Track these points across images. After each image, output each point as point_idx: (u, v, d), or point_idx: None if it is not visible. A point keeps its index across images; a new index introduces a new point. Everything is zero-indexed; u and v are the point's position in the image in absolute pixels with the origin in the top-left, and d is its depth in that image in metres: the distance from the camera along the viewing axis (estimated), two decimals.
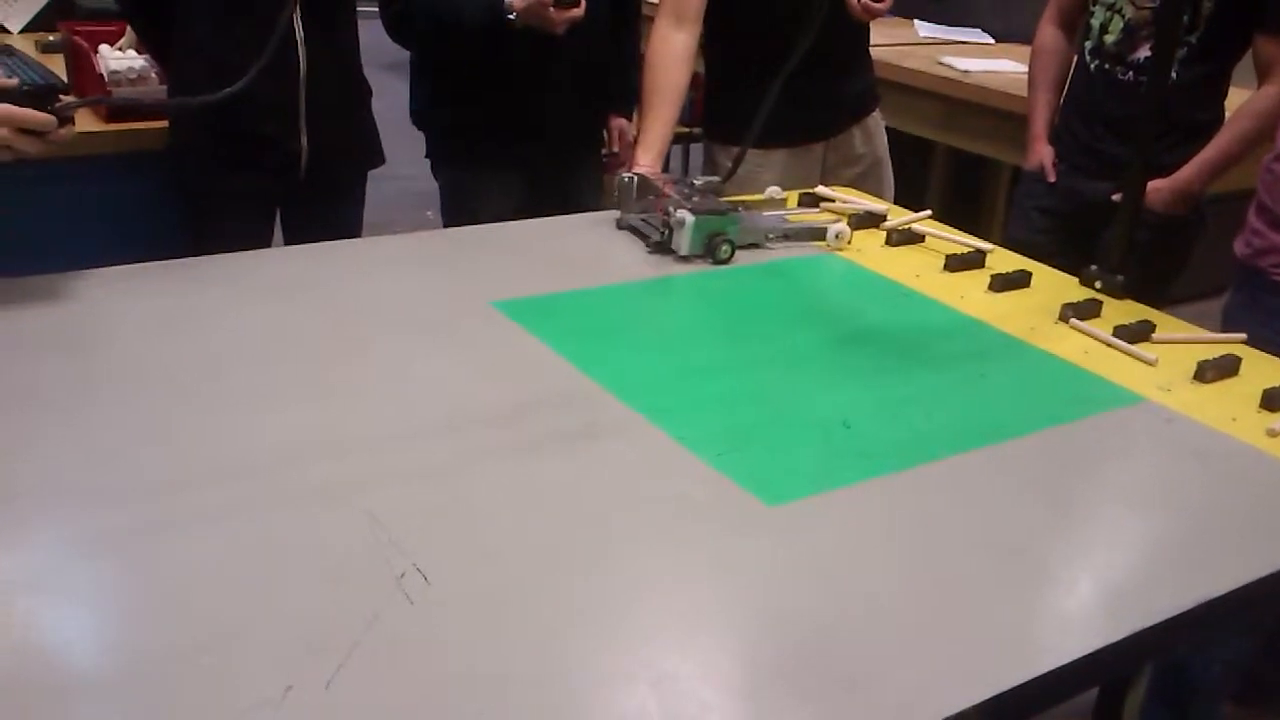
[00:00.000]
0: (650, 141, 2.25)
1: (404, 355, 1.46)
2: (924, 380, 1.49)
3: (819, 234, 1.96)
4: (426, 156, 2.62)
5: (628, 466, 1.24)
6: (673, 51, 2.32)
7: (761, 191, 2.52)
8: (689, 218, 1.80)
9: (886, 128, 2.75)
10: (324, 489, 1.15)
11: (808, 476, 1.24)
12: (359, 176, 2.37)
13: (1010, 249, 2.54)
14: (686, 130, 3.67)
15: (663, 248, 1.85)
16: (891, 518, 1.20)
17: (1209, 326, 1.76)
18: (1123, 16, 2.48)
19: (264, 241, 2.26)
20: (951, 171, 4.09)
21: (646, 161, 2.21)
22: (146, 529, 1.07)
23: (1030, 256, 2.48)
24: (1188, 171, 2.44)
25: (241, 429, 1.25)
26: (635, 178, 1.96)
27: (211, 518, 1.09)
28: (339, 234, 2.23)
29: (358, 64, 2.32)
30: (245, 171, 2.18)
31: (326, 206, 2.29)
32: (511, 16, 2.27)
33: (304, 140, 2.18)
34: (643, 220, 1.92)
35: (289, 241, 2.34)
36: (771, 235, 1.94)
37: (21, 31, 3.08)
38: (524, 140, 2.51)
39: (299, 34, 2.10)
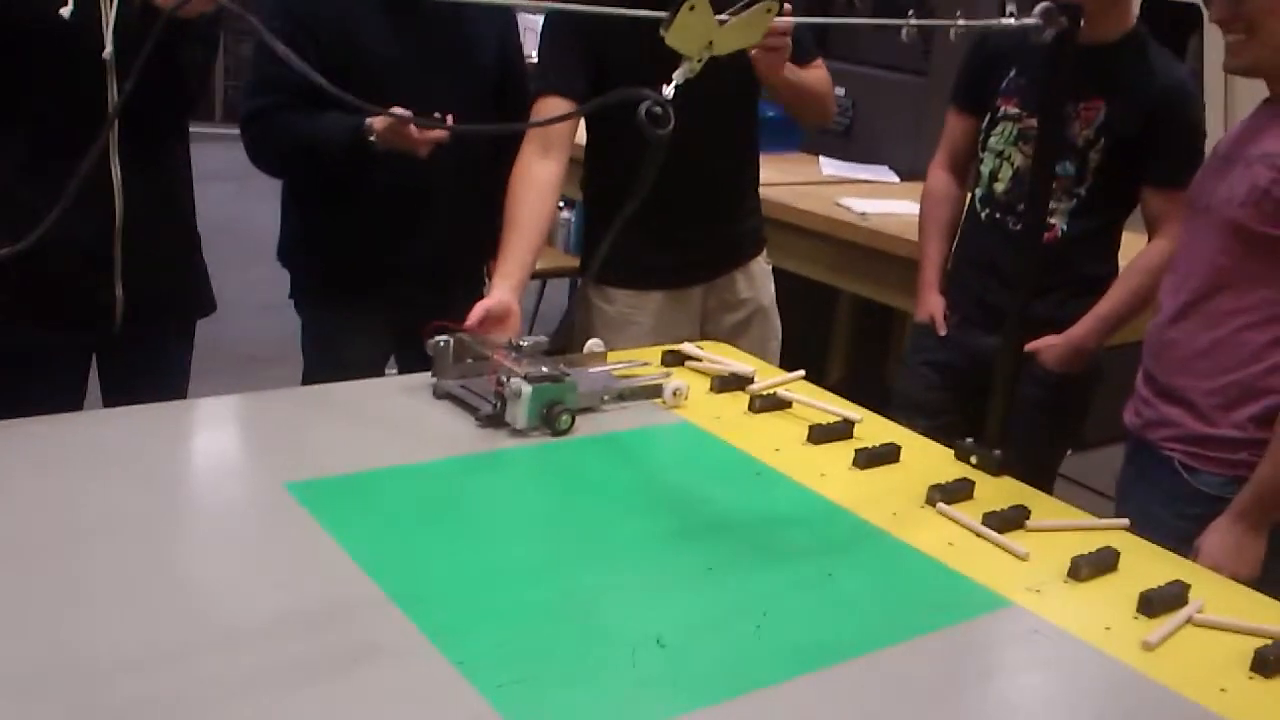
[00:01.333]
0: (507, 271, 2.08)
1: (167, 553, 1.28)
2: (762, 583, 1.32)
3: (654, 392, 1.81)
4: (289, 297, 2.46)
5: (391, 700, 1.05)
6: (536, 180, 2.18)
7: (634, 336, 2.38)
8: (525, 387, 1.63)
9: (784, 271, 2.63)
10: None
11: (597, 715, 1.06)
12: (185, 326, 2.19)
13: (900, 407, 2.44)
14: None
15: (495, 420, 1.66)
16: None
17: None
18: (1012, 164, 2.39)
19: (76, 401, 2.07)
20: (857, 317, 3.98)
21: (502, 291, 2.04)
22: None
23: (921, 414, 2.37)
24: (1081, 328, 2.33)
25: None
26: (450, 340, 1.77)
27: None
28: (162, 387, 2.04)
29: (187, 209, 2.15)
30: (52, 328, 1.99)
31: (148, 358, 2.10)
32: (372, 139, 2.14)
33: (119, 292, 1.99)
34: (463, 387, 1.74)
35: (106, 394, 2.14)
36: (606, 397, 1.77)
37: None
38: (393, 280, 2.35)
39: (116, 178, 1.94)
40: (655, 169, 1.38)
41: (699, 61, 1.31)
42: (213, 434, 1.68)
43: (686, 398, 1.80)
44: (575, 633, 1.19)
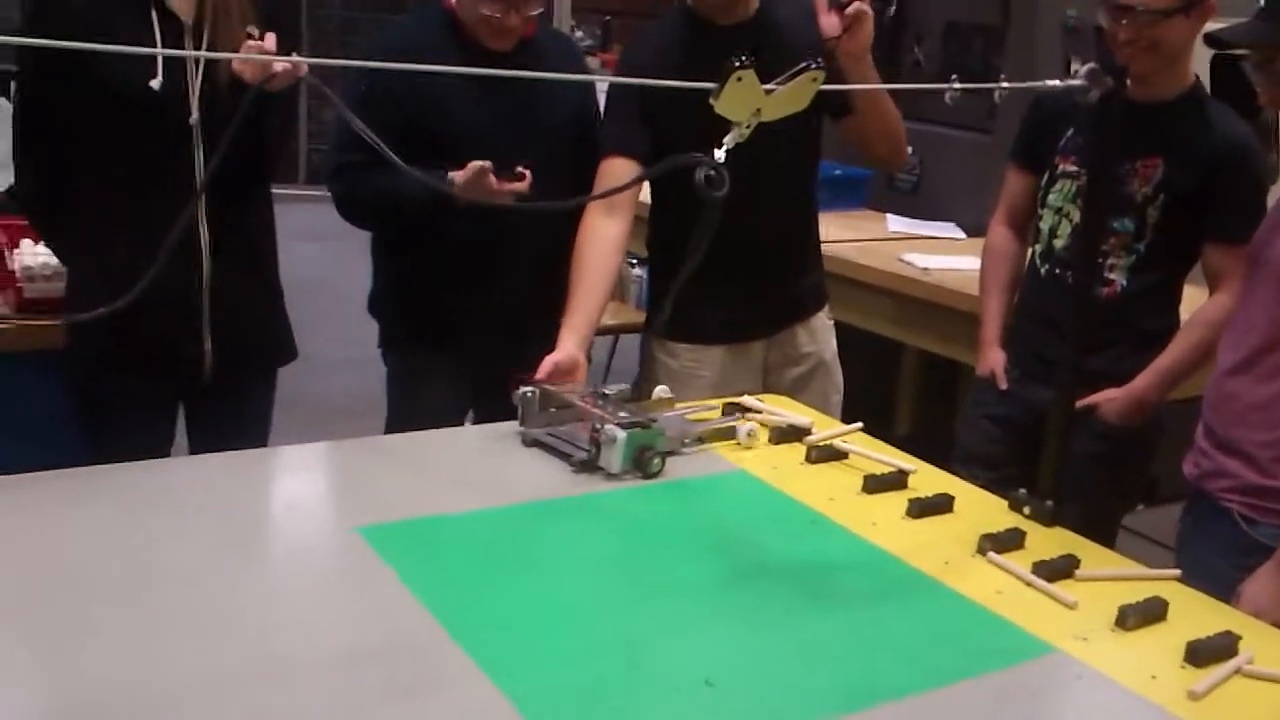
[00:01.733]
0: (574, 326, 2.16)
1: (238, 590, 1.35)
2: (812, 626, 1.36)
3: (729, 433, 1.89)
4: (378, 346, 2.55)
5: None
6: (601, 240, 2.27)
7: (697, 389, 2.44)
8: (620, 433, 1.71)
9: (849, 326, 2.67)
10: None
11: None
12: (268, 375, 2.29)
13: (961, 459, 2.46)
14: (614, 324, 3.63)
15: (589, 466, 1.74)
16: None
17: None
18: (1071, 221, 2.41)
19: (164, 446, 2.17)
20: (923, 372, 4.00)
21: (569, 346, 2.12)
22: None
23: (983, 467, 2.39)
24: (1142, 381, 2.34)
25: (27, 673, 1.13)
26: (537, 391, 1.85)
27: None
28: (247, 433, 2.15)
29: (270, 265, 2.25)
30: (143, 377, 2.09)
31: (233, 407, 2.20)
32: (453, 191, 2.21)
33: (207, 345, 2.10)
34: (550, 435, 1.82)
35: (193, 441, 2.24)
36: (687, 440, 1.85)
37: None
38: (473, 329, 2.43)
39: (204, 238, 2.05)
40: (711, 230, 1.44)
41: (748, 128, 1.37)
42: (292, 480, 1.76)
43: (758, 438, 1.88)
44: (628, 672, 1.23)
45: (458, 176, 2.20)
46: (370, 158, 2.30)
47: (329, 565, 1.43)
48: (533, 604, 1.36)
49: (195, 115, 1.99)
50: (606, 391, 1.87)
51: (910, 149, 4.05)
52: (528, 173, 2.16)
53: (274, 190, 2.29)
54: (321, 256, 4.60)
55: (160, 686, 1.14)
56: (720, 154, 1.35)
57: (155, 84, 1.94)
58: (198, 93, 1.99)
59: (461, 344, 2.45)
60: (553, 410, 1.85)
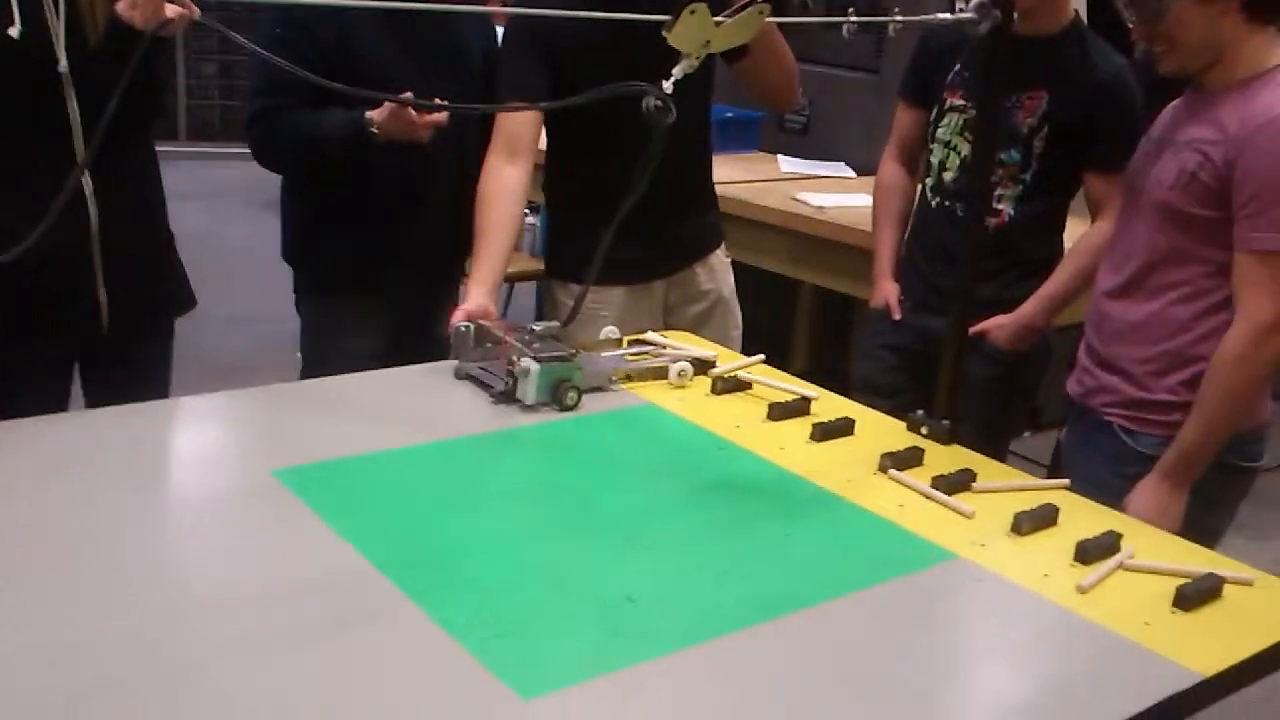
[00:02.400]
0: (481, 277, 2.18)
1: (155, 538, 1.35)
2: (725, 545, 1.41)
3: (661, 373, 1.93)
4: (294, 291, 2.55)
5: (380, 658, 1.14)
6: (504, 186, 2.28)
7: (599, 331, 2.47)
8: (534, 365, 1.76)
9: (746, 266, 2.72)
10: (38, 706, 1.03)
11: (575, 662, 1.15)
12: (166, 325, 2.27)
13: (859, 389, 2.54)
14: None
15: (507, 397, 1.80)
16: (664, 705, 1.10)
17: None
18: (959, 154, 2.49)
19: (61, 403, 2.13)
20: (819, 308, 4.09)
21: (478, 296, 2.14)
22: None
23: (880, 395, 2.47)
24: (1029, 307, 2.43)
25: None
26: (472, 326, 1.90)
27: None
28: (146, 387, 2.11)
29: (159, 210, 2.22)
30: (37, 336, 2.05)
31: (131, 359, 2.17)
32: (374, 130, 2.23)
33: (102, 295, 2.07)
34: (482, 369, 1.87)
35: (90, 397, 2.21)
36: (615, 378, 1.90)
37: None
38: (392, 267, 2.45)
39: (88, 187, 2.01)
40: (655, 160, 1.47)
41: (697, 59, 1.40)
42: (203, 428, 1.75)
43: (691, 378, 1.93)
44: (551, 594, 1.28)
45: (375, 115, 2.21)
46: (287, 101, 2.30)
47: (249, 510, 1.44)
48: (456, 537, 1.39)
49: (64, 64, 1.93)
50: (535, 327, 1.92)
51: (800, 89, 4.14)
52: (444, 105, 2.17)
53: (156, 148, 2.26)
54: (206, 214, 4.51)
55: (84, 639, 1.14)
56: (668, 85, 1.39)
57: (14, 32, 1.87)
58: (62, 39, 1.93)
59: (381, 285, 2.46)
60: (487, 345, 1.89)
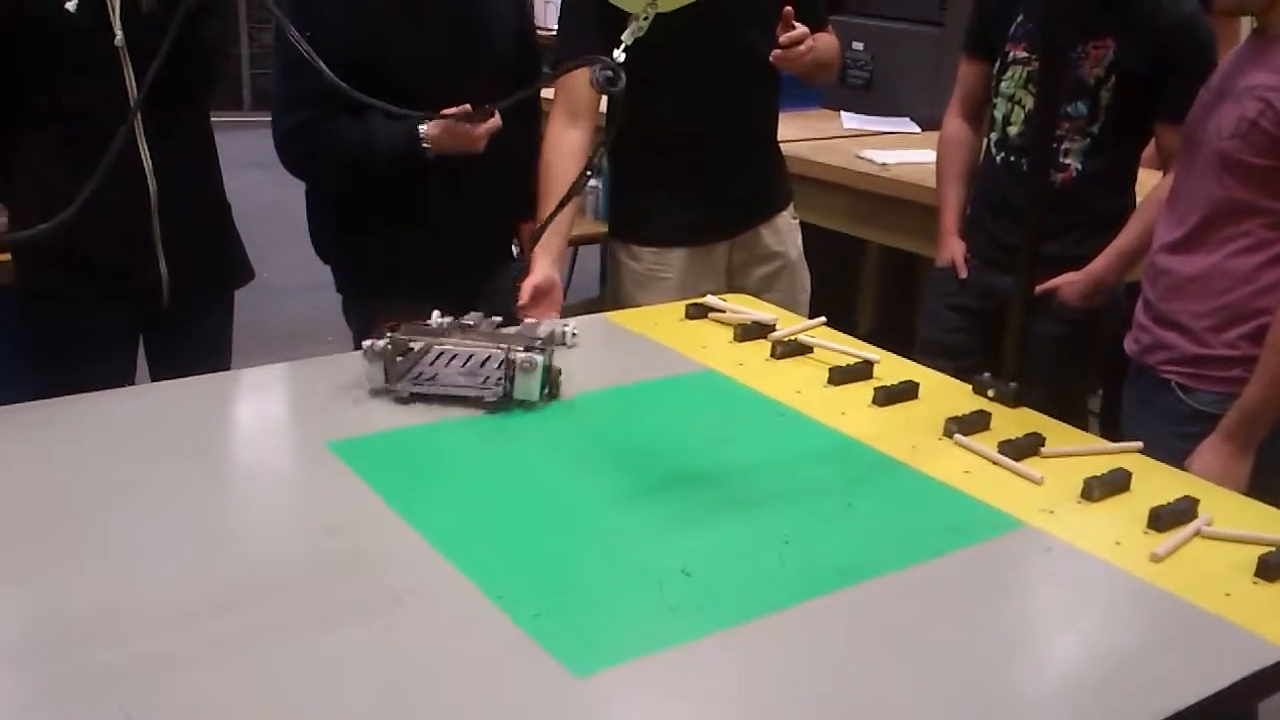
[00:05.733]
0: (547, 245, 2.14)
1: (212, 509, 1.35)
2: (784, 515, 1.38)
3: (559, 340, 1.82)
4: (338, 291, 2.45)
5: (433, 634, 1.12)
6: (567, 149, 2.26)
7: (660, 292, 2.43)
8: (538, 358, 1.62)
9: (809, 225, 2.67)
10: (86, 680, 1.03)
11: (629, 638, 1.12)
12: (225, 297, 2.28)
13: (924, 351, 2.49)
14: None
15: (506, 401, 1.62)
16: (720, 684, 1.07)
17: None
18: (1023, 107, 2.42)
19: (127, 376, 2.15)
20: (885, 268, 4.01)
21: (544, 266, 2.12)
22: None
23: (946, 357, 2.41)
24: (1101, 263, 2.36)
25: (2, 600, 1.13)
26: (388, 341, 1.64)
27: None
28: (208, 359, 2.14)
29: (217, 182, 2.22)
30: (101, 308, 2.07)
31: (192, 332, 2.19)
32: (426, 146, 2.14)
33: (163, 268, 2.08)
34: (428, 381, 1.64)
35: (153, 369, 2.23)
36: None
37: None
38: (432, 265, 2.32)
39: (146, 160, 2.01)
40: (617, 128, 1.42)
41: (645, 19, 1.36)
42: (259, 400, 1.75)
43: (577, 335, 1.85)
44: (605, 567, 1.25)
45: (429, 129, 2.12)
46: (323, 111, 2.16)
47: (302, 483, 1.44)
48: (509, 509, 1.37)
49: (120, 36, 1.94)
50: (467, 321, 1.77)
51: (861, 45, 4.06)
52: (495, 110, 2.04)
53: (219, 118, 2.25)
54: (270, 183, 4.52)
55: (144, 606, 1.14)
56: (619, 53, 1.34)
57: (70, 6, 1.87)
58: (118, 11, 1.94)
59: (421, 280, 2.27)
60: (411, 350, 1.69)
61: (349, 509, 1.36)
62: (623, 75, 1.31)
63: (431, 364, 1.69)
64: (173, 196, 2.06)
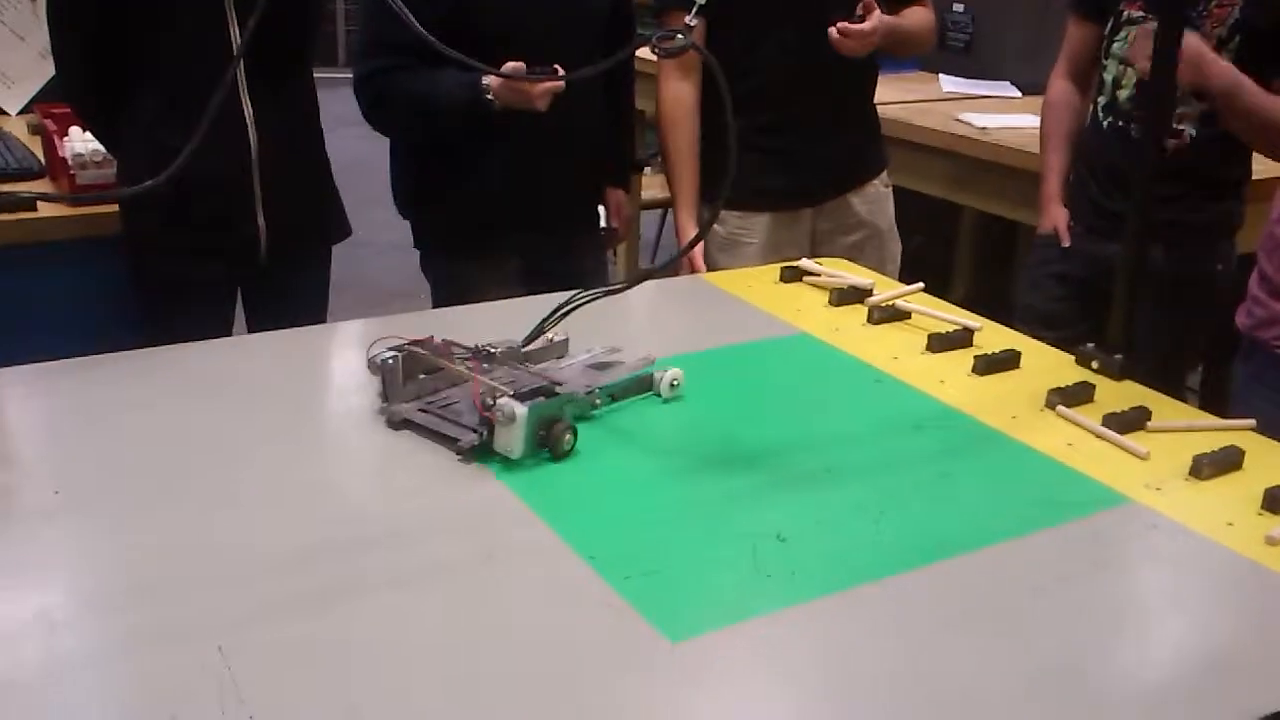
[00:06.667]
0: (686, 203, 2.29)
1: (310, 462, 1.36)
2: (880, 483, 1.35)
3: (646, 385, 1.54)
4: (415, 246, 2.46)
5: (524, 594, 1.12)
6: (683, 104, 2.36)
7: (743, 257, 2.40)
8: (519, 408, 1.31)
9: (905, 190, 2.62)
10: (184, 622, 1.04)
11: (723, 605, 1.11)
12: (323, 252, 2.29)
13: (1024, 320, 2.43)
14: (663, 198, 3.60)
15: (482, 452, 1.34)
16: (814, 652, 1.06)
17: None
18: (1136, 70, 2.34)
19: (225, 327, 2.18)
20: (981, 234, 3.94)
21: (690, 227, 2.26)
22: None
23: (1046, 327, 2.35)
24: (1218, 67, 2.08)
25: (96, 551, 1.15)
26: (398, 355, 1.43)
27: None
28: (305, 312, 2.16)
29: (316, 138, 2.23)
30: (202, 259, 2.10)
31: (289, 286, 2.21)
32: (490, 98, 2.14)
33: (261, 221, 2.10)
34: (422, 412, 1.41)
35: (251, 320, 2.26)
36: (599, 401, 1.47)
37: (19, 113, 3.05)
38: (521, 229, 2.35)
39: (248, 114, 2.03)
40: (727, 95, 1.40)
41: None
42: (355, 354, 1.76)
43: (682, 385, 1.55)
44: (699, 531, 1.24)
45: (493, 83, 2.11)
46: (398, 60, 2.17)
47: (399, 437, 1.43)
48: (602, 471, 1.36)
49: None
50: (491, 348, 1.49)
51: (961, 6, 3.96)
52: (560, 70, 1.99)
53: (315, 74, 2.26)
54: (367, 140, 4.55)
55: (240, 554, 1.16)
56: (693, 15, 1.33)
57: None
58: None
59: (507, 242, 2.36)
60: (420, 378, 1.45)
61: (443, 466, 1.35)
62: (679, 39, 1.31)
63: (433, 393, 1.46)
64: (272, 151, 2.08)
